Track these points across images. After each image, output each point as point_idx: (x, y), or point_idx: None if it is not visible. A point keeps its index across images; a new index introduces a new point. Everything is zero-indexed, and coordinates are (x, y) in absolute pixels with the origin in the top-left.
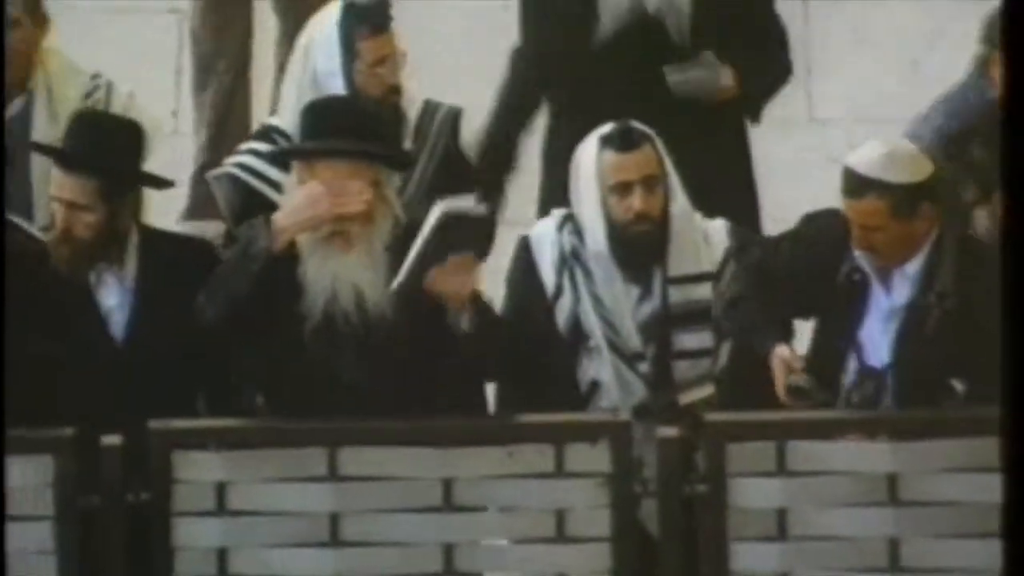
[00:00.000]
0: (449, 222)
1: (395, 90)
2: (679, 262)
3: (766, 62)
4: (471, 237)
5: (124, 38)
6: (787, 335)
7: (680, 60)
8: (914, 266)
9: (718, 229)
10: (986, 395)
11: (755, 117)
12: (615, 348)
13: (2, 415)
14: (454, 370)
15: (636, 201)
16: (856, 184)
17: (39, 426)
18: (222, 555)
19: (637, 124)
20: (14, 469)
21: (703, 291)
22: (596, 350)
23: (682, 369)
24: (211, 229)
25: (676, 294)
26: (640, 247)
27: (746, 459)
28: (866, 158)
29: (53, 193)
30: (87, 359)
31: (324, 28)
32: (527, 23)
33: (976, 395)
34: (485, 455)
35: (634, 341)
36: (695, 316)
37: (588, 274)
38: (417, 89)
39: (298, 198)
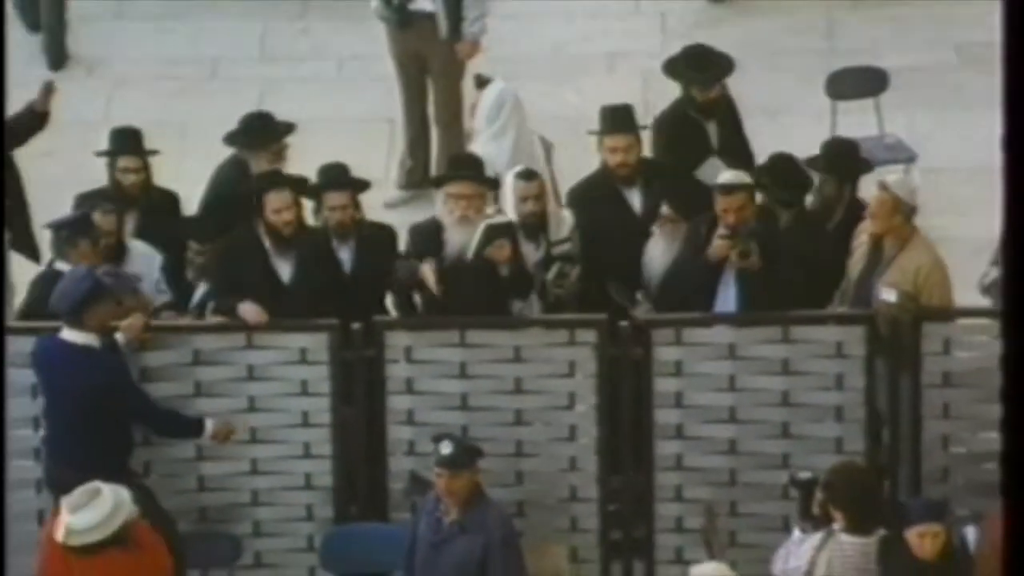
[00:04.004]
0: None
1: None
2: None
3: None
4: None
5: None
6: None
7: None
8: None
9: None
10: (771, 307)
11: None
12: None
13: (2, 424)
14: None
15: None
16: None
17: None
18: (409, 382)
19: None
20: (310, 339)
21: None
22: None
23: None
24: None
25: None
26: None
27: (661, 336)
28: (725, 175)
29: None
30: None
31: None
32: None
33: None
34: (535, 334)
35: None
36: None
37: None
38: None
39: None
